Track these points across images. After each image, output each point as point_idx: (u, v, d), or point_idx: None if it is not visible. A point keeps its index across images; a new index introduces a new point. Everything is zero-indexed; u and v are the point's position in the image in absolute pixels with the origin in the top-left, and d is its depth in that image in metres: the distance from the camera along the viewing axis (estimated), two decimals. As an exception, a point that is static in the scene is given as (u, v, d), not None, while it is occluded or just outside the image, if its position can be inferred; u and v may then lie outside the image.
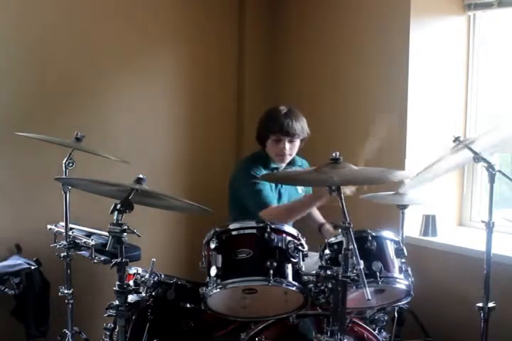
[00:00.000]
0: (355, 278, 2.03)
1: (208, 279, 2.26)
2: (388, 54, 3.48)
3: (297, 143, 3.10)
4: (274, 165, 3.14)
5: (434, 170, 2.49)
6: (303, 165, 3.26)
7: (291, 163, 3.19)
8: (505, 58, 3.42)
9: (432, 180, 2.69)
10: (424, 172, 2.47)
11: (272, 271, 2.16)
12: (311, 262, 2.46)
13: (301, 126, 3.07)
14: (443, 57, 3.45)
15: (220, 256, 2.27)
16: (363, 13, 3.61)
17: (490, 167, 2.32)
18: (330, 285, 2.11)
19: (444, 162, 2.46)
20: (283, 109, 3.09)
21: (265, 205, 2.95)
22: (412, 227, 3.31)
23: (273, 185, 3.09)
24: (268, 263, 2.17)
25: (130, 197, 2.22)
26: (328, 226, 3.15)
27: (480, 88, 3.51)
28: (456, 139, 2.43)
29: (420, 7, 3.33)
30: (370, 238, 2.32)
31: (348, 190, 2.46)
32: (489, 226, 2.37)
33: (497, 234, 2.47)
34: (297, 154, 3.20)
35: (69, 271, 3.02)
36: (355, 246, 2.03)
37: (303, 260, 2.29)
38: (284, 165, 3.16)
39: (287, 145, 3.06)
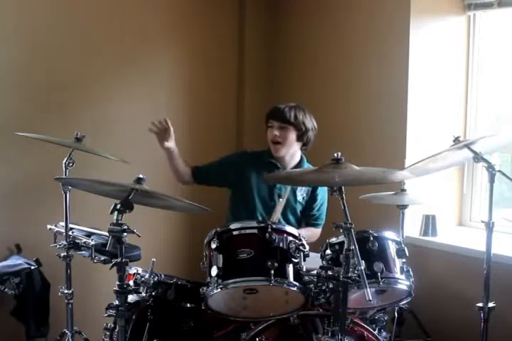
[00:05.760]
0: (357, 278, 2.03)
1: (208, 279, 2.26)
2: (388, 54, 3.48)
3: (290, 132, 3.04)
4: (270, 160, 3.09)
5: (430, 164, 2.48)
6: None
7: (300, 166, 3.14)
8: (505, 58, 3.42)
9: (427, 173, 2.66)
10: (420, 164, 2.45)
11: (273, 271, 2.16)
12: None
13: (295, 114, 3.03)
14: (443, 57, 3.45)
15: (221, 256, 2.27)
16: (363, 13, 3.61)
17: (490, 167, 2.31)
18: (331, 286, 2.11)
19: (441, 158, 2.45)
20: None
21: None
22: (412, 227, 3.31)
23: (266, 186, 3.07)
24: (269, 263, 2.17)
25: (130, 197, 2.22)
26: None
27: (480, 88, 3.51)
28: (456, 139, 2.42)
29: (420, 7, 3.34)
30: (371, 238, 2.32)
31: None
32: (489, 226, 2.36)
33: (497, 234, 2.47)
34: (308, 162, 3.16)
35: (69, 271, 3.01)
36: (357, 247, 2.03)
37: (304, 260, 2.28)
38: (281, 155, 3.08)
39: (276, 131, 3.02)
